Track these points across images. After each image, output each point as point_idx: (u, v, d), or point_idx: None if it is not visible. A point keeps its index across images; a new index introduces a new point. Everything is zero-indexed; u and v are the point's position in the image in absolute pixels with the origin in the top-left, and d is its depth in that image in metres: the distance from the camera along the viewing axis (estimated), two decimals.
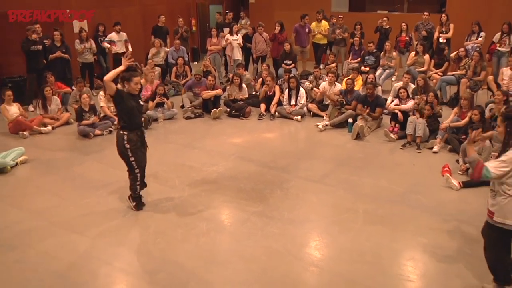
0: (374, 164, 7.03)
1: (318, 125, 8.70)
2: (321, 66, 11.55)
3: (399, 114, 8.09)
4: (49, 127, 8.48)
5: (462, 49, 10.08)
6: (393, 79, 11.00)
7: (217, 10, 16.95)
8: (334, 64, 11.30)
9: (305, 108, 9.42)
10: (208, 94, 9.62)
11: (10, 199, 5.97)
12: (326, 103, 9.34)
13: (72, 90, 9.78)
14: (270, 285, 4.21)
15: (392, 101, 8.79)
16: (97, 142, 8.07)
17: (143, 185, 5.62)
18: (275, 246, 4.80)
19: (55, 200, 5.89)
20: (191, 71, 11.62)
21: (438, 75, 10.22)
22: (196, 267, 4.47)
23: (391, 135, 7.96)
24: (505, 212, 3.63)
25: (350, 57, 11.90)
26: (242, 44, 12.10)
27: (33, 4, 10.41)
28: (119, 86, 5.43)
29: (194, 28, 15.35)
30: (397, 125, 8.13)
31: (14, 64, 10.50)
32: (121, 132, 5.25)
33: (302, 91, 9.45)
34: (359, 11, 15.31)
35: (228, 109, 9.64)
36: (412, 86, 8.95)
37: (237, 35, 12.08)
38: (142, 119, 5.84)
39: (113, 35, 11.43)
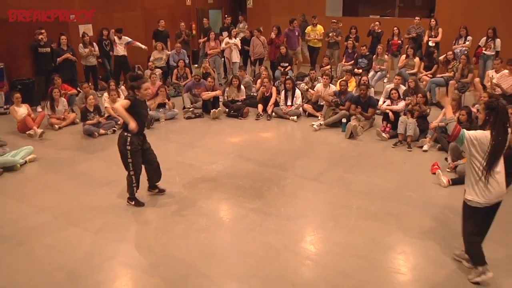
0: (367, 162, 7.03)
1: (313, 125, 8.70)
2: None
3: (391, 114, 8.10)
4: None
5: (450, 53, 10.17)
6: (385, 80, 10.99)
7: (216, 14, 16.96)
8: (328, 67, 11.31)
9: (300, 109, 9.42)
10: (207, 95, 9.61)
11: (19, 195, 5.97)
12: (321, 103, 9.33)
13: (79, 92, 9.77)
14: (268, 279, 4.20)
15: (384, 101, 8.79)
16: (101, 141, 8.04)
17: (158, 177, 5.77)
18: (272, 241, 4.79)
19: (61, 197, 5.88)
20: (191, 73, 11.61)
21: (428, 77, 10.26)
22: (196, 261, 4.45)
23: (383, 134, 7.96)
24: (470, 191, 3.89)
25: (344, 60, 11.89)
26: (240, 47, 12.09)
27: (33, 4, 10.37)
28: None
29: (194, 32, 15.31)
30: (388, 124, 8.13)
31: (23, 67, 10.49)
32: (125, 133, 5.28)
33: (298, 92, 9.44)
34: (352, 15, 15.30)
35: (227, 110, 9.63)
36: (403, 87, 8.95)
37: (235, 38, 12.06)
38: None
39: (116, 40, 11.41)
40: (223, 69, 12.76)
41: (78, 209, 5.54)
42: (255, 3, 16.35)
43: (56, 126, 8.62)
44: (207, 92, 9.65)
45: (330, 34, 12.17)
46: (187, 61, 11.72)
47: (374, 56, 11.10)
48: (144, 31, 12.63)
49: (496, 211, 3.99)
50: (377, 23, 12.16)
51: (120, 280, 4.28)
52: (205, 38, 12.38)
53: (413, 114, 7.69)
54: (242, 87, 9.94)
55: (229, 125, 9.09)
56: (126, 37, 11.48)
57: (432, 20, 11.44)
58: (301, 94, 9.56)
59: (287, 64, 11.38)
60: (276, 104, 9.53)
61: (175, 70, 11.29)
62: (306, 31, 12.47)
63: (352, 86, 9.68)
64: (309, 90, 9.82)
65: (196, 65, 13.13)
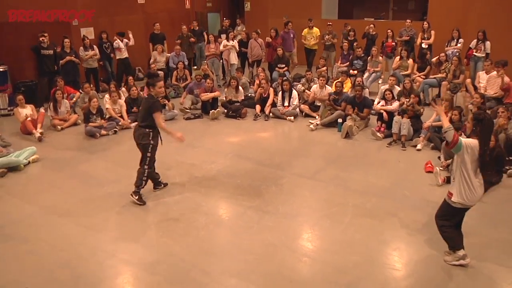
0: (362, 161, 7.02)
1: (310, 124, 8.69)
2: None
3: (385, 114, 8.10)
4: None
5: (442, 54, 10.20)
6: (379, 81, 10.99)
7: (214, 17, 16.93)
8: (324, 68, 11.30)
9: (297, 109, 9.40)
10: (206, 96, 9.60)
11: (23, 195, 5.96)
12: (318, 104, 9.32)
13: (80, 93, 9.75)
14: (266, 275, 4.19)
15: (379, 102, 8.78)
16: (103, 142, 8.02)
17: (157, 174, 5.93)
18: (270, 239, 4.78)
19: (64, 196, 5.85)
20: (190, 74, 11.59)
21: (421, 78, 10.27)
22: (196, 258, 4.44)
23: (378, 134, 7.95)
24: (457, 194, 4.03)
25: (339, 61, 11.88)
26: (238, 49, 12.07)
27: (33, 4, 10.33)
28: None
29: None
30: (383, 124, 8.13)
31: (26, 69, 10.44)
32: (147, 130, 5.44)
33: (294, 93, 9.43)
34: (347, 18, 15.30)
35: (225, 110, 9.61)
36: (398, 88, 8.95)
37: (233, 41, 12.04)
38: None
39: (115, 43, 11.36)
40: (222, 71, 12.75)
41: (81, 208, 5.52)
42: (253, 6, 16.34)
43: (59, 127, 8.60)
44: (206, 93, 9.64)
45: (326, 37, 12.16)
46: (186, 63, 11.70)
47: (369, 57, 11.11)
48: (144, 35, 12.59)
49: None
50: (371, 25, 12.18)
51: (122, 277, 4.26)
52: (222, 39, 12.36)
53: (405, 113, 7.69)
54: (240, 88, 9.93)
55: (228, 125, 9.08)
56: (126, 40, 11.48)
57: (425, 23, 11.46)
58: (298, 95, 9.55)
59: (284, 66, 11.37)
60: (274, 104, 9.51)
61: (175, 72, 11.27)
62: (302, 33, 12.45)
63: (347, 87, 9.68)
64: (306, 91, 9.81)
65: (196, 67, 13.12)
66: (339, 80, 9.56)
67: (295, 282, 4.09)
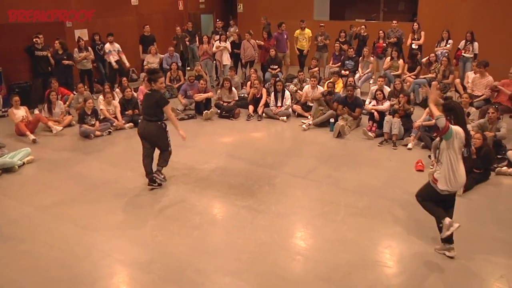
0: (354, 160, 7.05)
1: (302, 124, 8.71)
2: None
3: (376, 114, 8.14)
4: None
5: (432, 55, 10.27)
6: (370, 82, 11.04)
7: (207, 19, 16.89)
8: (316, 69, 11.32)
9: (290, 109, 9.42)
10: (200, 96, 9.60)
11: (18, 196, 5.92)
12: (310, 104, 9.34)
13: (74, 94, 9.70)
14: (259, 273, 4.20)
15: (370, 102, 8.82)
16: (97, 143, 7.98)
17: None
18: (263, 237, 4.79)
19: (59, 197, 5.83)
20: (184, 75, 11.57)
21: (412, 78, 10.33)
22: (190, 257, 4.44)
23: (369, 133, 7.99)
24: (444, 182, 4.19)
25: (331, 62, 11.92)
26: (230, 50, 12.07)
27: (33, 4, 10.27)
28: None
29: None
30: (374, 124, 8.17)
31: (21, 71, 10.37)
32: (158, 123, 5.80)
33: (287, 93, 9.44)
34: (339, 19, 15.34)
35: (218, 111, 9.61)
36: (388, 89, 9.00)
37: (225, 42, 12.04)
38: None
39: (107, 46, 11.30)
40: (215, 72, 12.74)
41: (76, 209, 5.50)
42: (246, 7, 16.33)
43: (59, 128, 8.47)
44: (200, 94, 9.64)
45: (319, 38, 12.19)
46: (180, 64, 11.68)
47: (360, 58, 11.15)
48: (138, 36, 12.54)
49: (454, 199, 4.43)
50: (363, 26, 12.22)
51: (117, 276, 4.26)
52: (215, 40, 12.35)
53: (395, 113, 7.73)
54: (233, 89, 9.93)
55: (221, 125, 9.08)
56: (117, 45, 11.38)
57: (415, 24, 11.53)
58: (290, 95, 9.57)
59: (276, 67, 11.39)
60: (266, 105, 9.53)
61: (168, 73, 11.22)
62: (294, 34, 12.47)
63: (339, 87, 9.71)
64: (298, 91, 9.83)
65: (189, 68, 13.10)
66: (331, 80, 9.59)
67: (288, 280, 4.11)
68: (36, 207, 5.55)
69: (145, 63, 11.58)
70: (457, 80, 9.53)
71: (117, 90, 9.84)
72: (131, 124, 8.80)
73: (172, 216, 5.30)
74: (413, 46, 11.25)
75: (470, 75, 9.27)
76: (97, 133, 8.23)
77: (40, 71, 9.98)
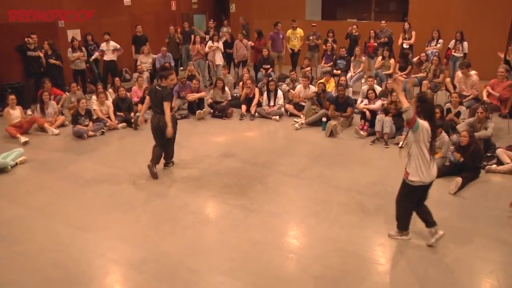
0: (346, 159, 7.07)
1: (295, 124, 8.72)
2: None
3: (368, 113, 8.17)
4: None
5: (423, 54, 10.31)
6: (362, 81, 11.07)
7: (200, 19, 16.83)
8: (308, 68, 11.34)
9: (282, 109, 9.43)
10: (193, 96, 9.59)
11: (12, 196, 5.87)
12: (302, 104, 9.35)
13: (66, 94, 9.64)
14: (253, 272, 4.20)
15: (362, 101, 8.85)
16: (91, 143, 7.93)
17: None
18: (257, 236, 4.79)
19: (53, 197, 5.79)
20: (177, 75, 11.53)
21: (403, 77, 10.36)
22: (183, 257, 4.43)
23: (361, 132, 8.02)
24: (415, 173, 4.24)
25: (323, 61, 11.94)
26: (222, 50, 12.05)
27: (33, 4, 10.18)
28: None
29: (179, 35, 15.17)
30: (366, 123, 8.19)
31: (13, 72, 10.28)
32: (171, 114, 6.21)
33: (280, 93, 9.45)
34: (331, 19, 15.37)
35: (211, 110, 9.59)
36: (379, 88, 9.02)
37: (218, 42, 12.02)
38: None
39: (103, 45, 11.26)
40: (207, 72, 12.72)
41: (70, 209, 5.47)
42: (238, 7, 16.31)
43: (56, 131, 8.39)
44: (193, 94, 9.62)
45: (311, 38, 12.21)
46: (172, 64, 11.63)
47: (352, 57, 11.17)
48: (131, 36, 12.49)
49: (428, 190, 4.42)
50: (354, 26, 12.23)
51: (111, 276, 4.23)
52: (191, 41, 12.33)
53: (388, 113, 7.76)
54: (226, 89, 9.91)
55: (214, 125, 9.06)
56: (114, 43, 11.35)
57: (406, 23, 11.58)
58: (283, 94, 9.58)
59: (269, 66, 11.39)
60: (259, 104, 9.53)
61: None
62: (286, 34, 12.47)
63: (331, 87, 9.73)
64: (291, 90, 9.84)
65: (182, 68, 13.06)
66: (323, 80, 9.60)
67: (282, 279, 4.11)
68: (30, 207, 5.51)
69: (138, 63, 11.54)
70: (448, 79, 9.58)
71: (110, 90, 9.78)
72: (124, 124, 8.77)
73: (165, 215, 5.28)
74: (404, 45, 11.29)
75: (460, 74, 9.31)
76: (90, 133, 8.18)
77: (32, 71, 9.90)
